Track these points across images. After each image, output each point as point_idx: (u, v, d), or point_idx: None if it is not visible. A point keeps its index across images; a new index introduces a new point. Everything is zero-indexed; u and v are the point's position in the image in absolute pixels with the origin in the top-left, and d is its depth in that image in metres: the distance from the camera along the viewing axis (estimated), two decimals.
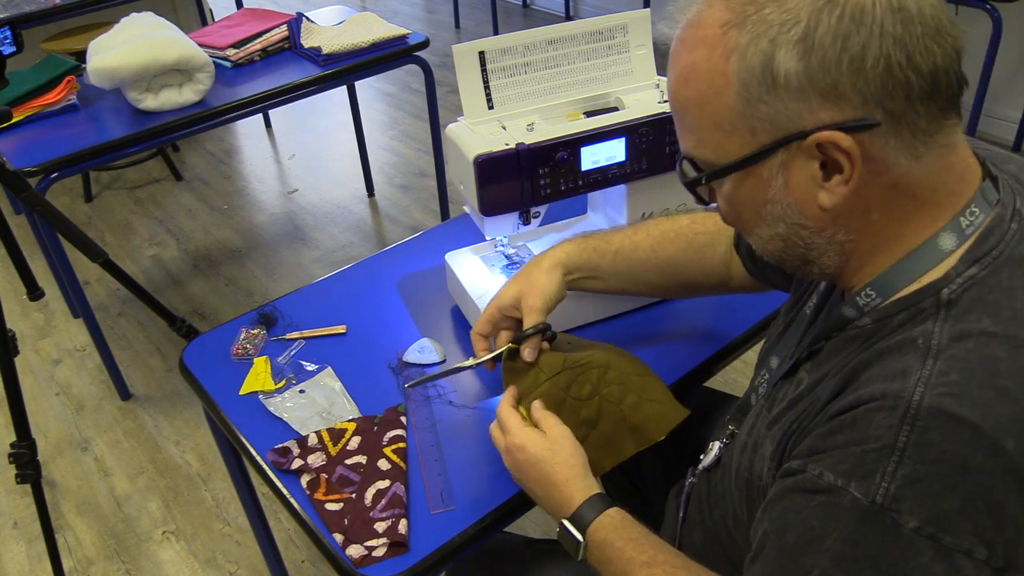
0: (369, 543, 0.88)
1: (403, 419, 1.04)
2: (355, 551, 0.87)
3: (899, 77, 0.57)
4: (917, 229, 0.62)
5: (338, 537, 0.89)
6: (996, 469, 0.53)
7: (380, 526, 0.90)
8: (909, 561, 0.54)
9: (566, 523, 0.81)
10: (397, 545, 0.88)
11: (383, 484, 0.94)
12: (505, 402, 0.93)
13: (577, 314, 1.16)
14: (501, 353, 0.98)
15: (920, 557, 0.54)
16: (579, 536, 0.79)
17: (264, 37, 2.38)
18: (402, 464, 0.97)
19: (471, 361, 1.00)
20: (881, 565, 0.55)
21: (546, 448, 0.86)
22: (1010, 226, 0.62)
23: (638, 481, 1.25)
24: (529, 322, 0.97)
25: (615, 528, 0.78)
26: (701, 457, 0.90)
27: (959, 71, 0.59)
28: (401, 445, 1.00)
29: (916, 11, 0.57)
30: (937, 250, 0.62)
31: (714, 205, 0.72)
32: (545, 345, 0.99)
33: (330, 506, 0.93)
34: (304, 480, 0.96)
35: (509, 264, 1.20)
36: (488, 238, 1.17)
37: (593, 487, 0.83)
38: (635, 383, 0.98)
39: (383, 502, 0.92)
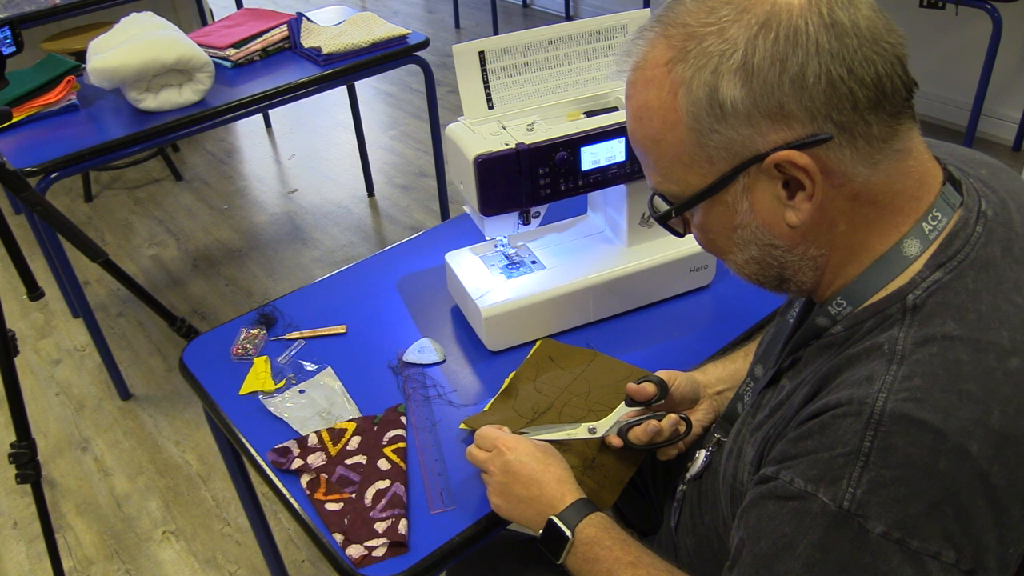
0: (369, 543, 0.88)
1: (403, 419, 1.04)
2: (355, 551, 0.87)
3: (842, 90, 0.58)
4: (882, 236, 0.63)
5: (338, 537, 0.89)
6: (960, 472, 0.53)
7: (380, 526, 0.90)
8: (879, 566, 0.54)
9: (556, 519, 0.81)
10: (397, 545, 0.88)
11: (383, 484, 0.94)
12: (486, 427, 0.92)
13: (577, 314, 1.16)
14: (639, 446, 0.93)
15: (889, 562, 0.54)
16: (568, 532, 0.79)
17: (264, 37, 2.38)
18: (402, 464, 0.97)
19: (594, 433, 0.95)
20: (852, 571, 0.55)
21: (539, 449, 0.87)
22: (975, 229, 0.62)
23: (639, 483, 1.25)
24: (700, 414, 0.96)
25: (604, 527, 0.79)
26: (688, 465, 0.90)
27: (904, 75, 0.60)
28: (401, 445, 1.00)
29: (850, 25, 0.58)
30: (902, 256, 0.62)
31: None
32: (617, 441, 0.93)
33: (330, 506, 0.93)
34: (304, 480, 0.96)
35: (509, 264, 1.20)
36: (488, 238, 1.17)
37: (581, 492, 0.84)
38: (622, 386, 0.99)
39: (383, 502, 0.92)
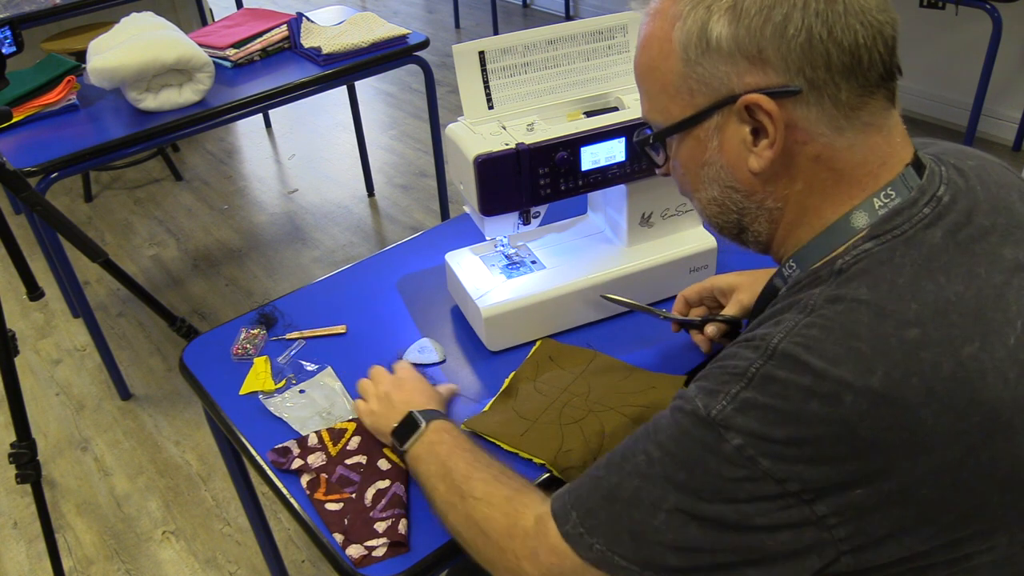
0: (369, 543, 0.88)
1: None
2: (355, 551, 0.87)
3: (819, 48, 0.61)
4: (835, 204, 0.66)
5: (338, 537, 0.89)
6: (829, 418, 0.57)
7: (380, 526, 0.90)
8: (722, 473, 0.60)
9: (415, 412, 0.92)
10: (397, 545, 0.88)
11: (383, 484, 0.94)
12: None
13: (577, 314, 1.16)
14: (692, 321, 1.08)
15: (734, 472, 0.59)
16: (422, 422, 0.90)
17: (264, 37, 2.38)
18: (402, 464, 0.97)
19: (665, 312, 1.11)
20: (696, 470, 0.61)
21: (424, 379, 1.03)
22: (922, 210, 0.64)
23: None
24: (728, 311, 1.05)
25: (455, 429, 0.91)
26: None
27: (885, 55, 0.63)
28: None
29: None
30: (849, 227, 0.65)
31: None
32: (710, 330, 1.06)
33: (330, 506, 0.93)
34: (304, 480, 0.96)
35: (509, 264, 1.20)
36: (488, 238, 1.17)
37: (445, 411, 0.97)
38: (622, 386, 0.99)
39: (383, 502, 0.92)
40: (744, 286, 1.04)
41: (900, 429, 0.57)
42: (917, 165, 0.66)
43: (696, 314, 1.09)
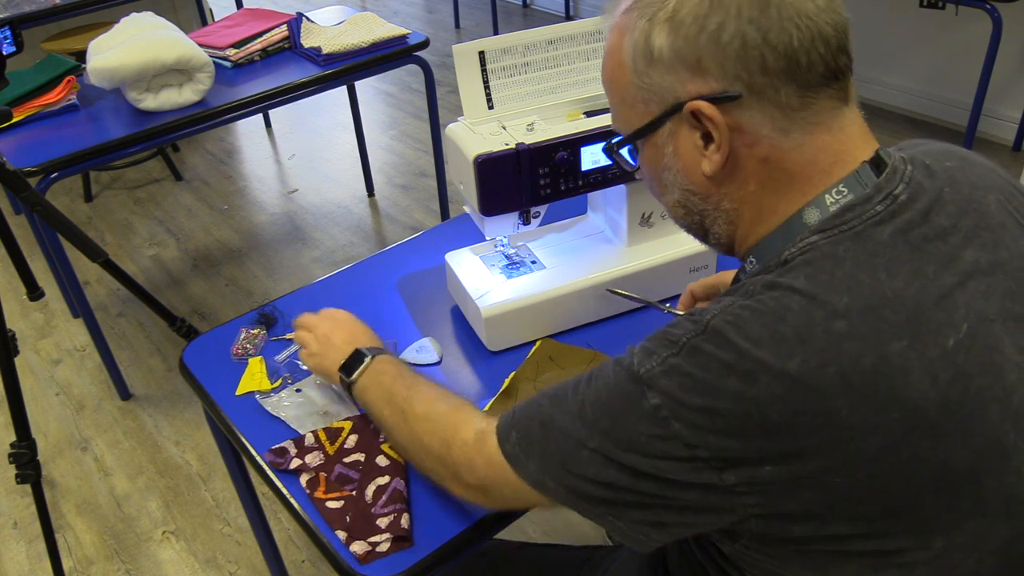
0: (372, 539, 0.88)
1: None
2: (359, 547, 0.87)
3: (753, 53, 0.62)
4: (789, 202, 0.68)
5: (341, 534, 0.89)
6: (743, 395, 0.59)
7: (383, 521, 0.90)
8: (639, 427, 0.63)
9: (362, 348, 0.97)
10: (401, 539, 0.88)
11: (383, 480, 0.94)
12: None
13: (577, 314, 1.16)
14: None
15: (649, 429, 0.63)
16: (368, 356, 0.95)
17: (264, 37, 2.38)
18: (400, 459, 0.97)
19: (669, 307, 1.12)
20: (618, 420, 0.65)
21: (361, 321, 1.07)
22: (875, 207, 0.64)
23: None
24: None
25: (399, 363, 0.96)
26: None
27: (826, 55, 0.63)
28: None
29: None
30: (801, 223, 0.67)
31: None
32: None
33: (331, 504, 0.93)
34: (303, 479, 0.96)
35: (509, 264, 1.20)
36: (488, 238, 1.17)
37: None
38: None
39: (384, 497, 0.92)
40: None
41: (813, 415, 0.58)
42: (876, 163, 0.67)
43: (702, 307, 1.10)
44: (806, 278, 0.62)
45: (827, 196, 0.65)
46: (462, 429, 0.80)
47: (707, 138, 0.67)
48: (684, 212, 0.75)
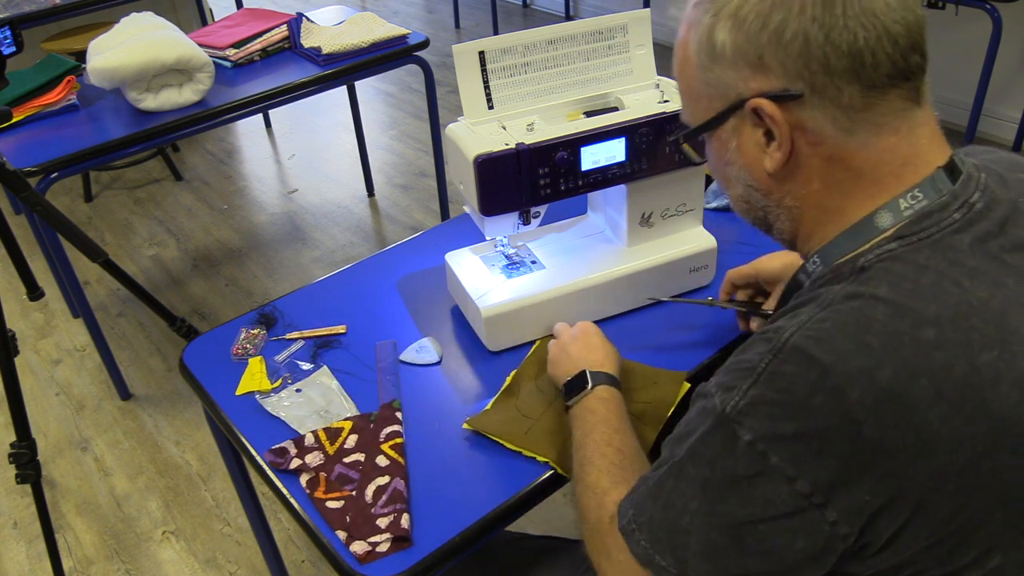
0: (372, 539, 0.88)
1: (399, 415, 1.04)
2: (359, 547, 0.87)
3: (816, 53, 0.61)
4: (857, 203, 0.66)
5: (341, 534, 0.89)
6: (833, 412, 0.56)
7: (382, 521, 0.90)
8: (737, 470, 0.60)
9: (588, 371, 0.96)
10: (400, 540, 0.88)
11: (383, 480, 0.94)
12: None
13: (577, 314, 1.16)
14: (741, 305, 1.10)
15: (748, 468, 0.60)
16: (590, 383, 0.94)
17: (264, 37, 2.38)
18: (400, 460, 0.97)
19: (711, 300, 1.12)
20: (716, 467, 0.62)
21: (604, 337, 1.05)
22: (952, 215, 0.63)
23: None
24: (769, 305, 1.06)
25: (616, 397, 0.93)
26: None
27: (894, 55, 0.62)
28: (398, 440, 1.00)
29: None
30: (873, 227, 0.65)
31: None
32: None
33: (331, 504, 0.93)
34: (303, 479, 0.96)
35: (509, 264, 1.20)
36: (488, 238, 1.17)
37: (616, 372, 0.98)
38: (623, 382, 1.00)
39: (384, 498, 0.92)
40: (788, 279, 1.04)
41: (905, 428, 0.56)
42: (951, 169, 0.65)
43: (742, 296, 1.11)
44: (889, 286, 0.60)
45: (901, 200, 0.64)
46: (609, 512, 0.76)
47: (769, 136, 0.67)
48: (747, 207, 0.74)
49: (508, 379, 1.08)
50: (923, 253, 0.61)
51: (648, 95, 1.13)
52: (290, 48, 2.42)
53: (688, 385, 1.04)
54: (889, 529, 0.58)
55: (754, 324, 1.08)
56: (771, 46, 0.63)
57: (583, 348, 1.01)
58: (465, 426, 1.01)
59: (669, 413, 1.00)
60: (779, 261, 1.05)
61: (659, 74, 1.16)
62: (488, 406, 1.04)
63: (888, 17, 0.61)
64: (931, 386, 0.56)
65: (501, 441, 0.98)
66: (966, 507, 0.58)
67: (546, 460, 0.95)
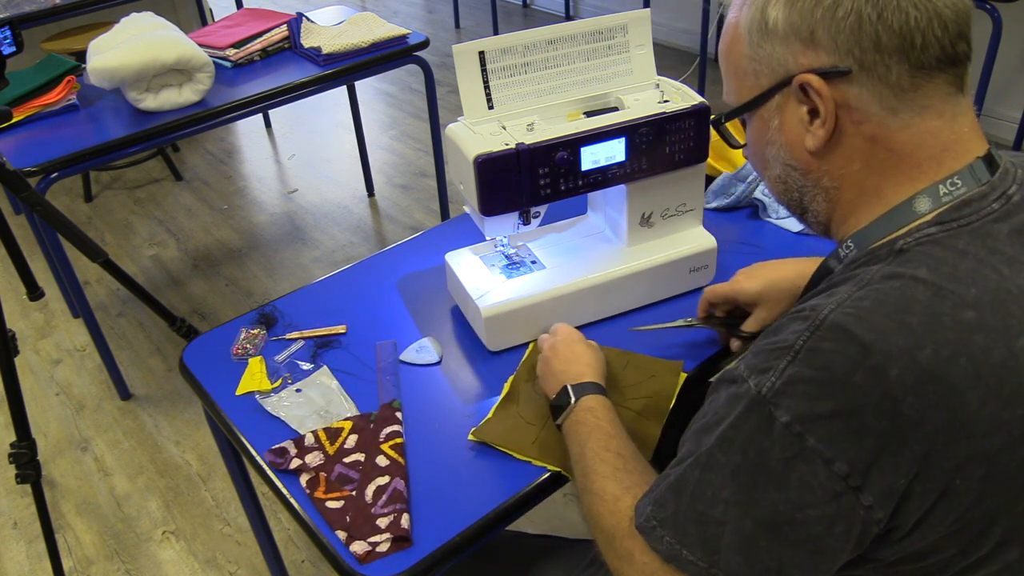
0: (372, 539, 0.88)
1: (398, 415, 1.04)
2: (359, 547, 0.87)
3: (868, 30, 0.62)
4: (896, 186, 0.67)
5: (341, 534, 0.89)
6: (873, 390, 0.56)
7: (382, 521, 0.90)
8: (773, 452, 0.59)
9: (568, 385, 0.94)
10: (400, 540, 0.88)
11: (383, 480, 0.94)
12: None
13: (577, 314, 1.16)
14: (721, 324, 1.09)
15: (784, 451, 0.58)
16: (572, 398, 0.92)
17: (264, 37, 2.38)
18: (400, 460, 0.97)
19: (689, 320, 1.11)
20: (749, 452, 0.60)
21: (583, 341, 1.04)
22: (991, 204, 0.64)
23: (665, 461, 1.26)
24: (748, 326, 1.04)
25: (603, 405, 0.91)
26: None
27: (943, 38, 0.63)
28: (398, 440, 1.00)
29: None
30: (911, 211, 0.65)
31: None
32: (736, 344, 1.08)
33: (331, 504, 0.93)
34: (303, 479, 0.96)
35: (509, 264, 1.20)
36: (488, 238, 1.17)
37: (600, 379, 0.97)
38: (622, 378, 1.00)
39: (384, 498, 0.92)
40: (768, 304, 1.02)
41: (944, 409, 0.56)
42: (989, 161, 0.66)
43: (720, 314, 1.09)
44: (929, 269, 0.60)
45: (940, 187, 0.65)
46: (625, 516, 0.74)
47: (813, 113, 0.67)
48: (784, 188, 0.75)
49: (506, 386, 1.07)
50: (962, 239, 0.62)
51: (648, 95, 1.13)
52: (290, 48, 2.42)
53: (685, 375, 1.03)
54: (917, 512, 0.58)
55: (734, 344, 1.07)
56: (824, 22, 0.64)
57: (562, 361, 1.00)
58: (471, 437, 1.01)
59: (670, 406, 1.00)
60: (758, 282, 1.03)
61: (659, 74, 1.16)
62: (490, 414, 1.04)
63: (939, 1, 0.62)
64: (970, 367, 0.56)
65: (509, 452, 0.98)
66: (992, 495, 0.58)
67: (557, 469, 0.95)
